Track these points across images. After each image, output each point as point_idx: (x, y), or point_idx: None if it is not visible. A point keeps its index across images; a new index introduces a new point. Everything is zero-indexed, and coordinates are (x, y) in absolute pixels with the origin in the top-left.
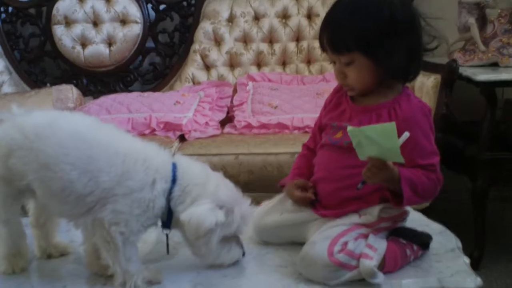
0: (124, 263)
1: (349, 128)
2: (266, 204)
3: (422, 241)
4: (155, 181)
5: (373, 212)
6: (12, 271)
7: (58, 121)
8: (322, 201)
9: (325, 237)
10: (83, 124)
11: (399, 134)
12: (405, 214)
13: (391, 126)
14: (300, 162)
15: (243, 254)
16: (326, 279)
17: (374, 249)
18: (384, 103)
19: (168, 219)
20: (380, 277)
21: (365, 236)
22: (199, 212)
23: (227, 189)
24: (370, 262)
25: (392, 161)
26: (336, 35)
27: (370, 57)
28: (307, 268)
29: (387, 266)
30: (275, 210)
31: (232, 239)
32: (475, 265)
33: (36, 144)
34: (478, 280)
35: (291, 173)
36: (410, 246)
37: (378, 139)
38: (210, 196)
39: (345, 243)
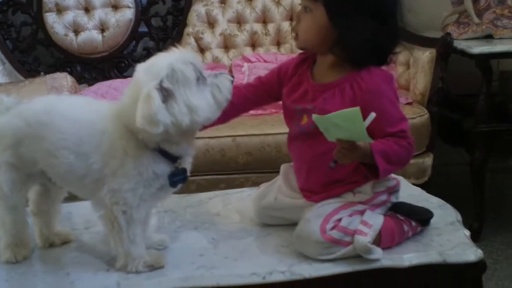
0: (127, 244)
1: (314, 116)
2: (265, 186)
3: (422, 217)
4: (125, 150)
5: (366, 190)
6: (15, 259)
7: (55, 106)
8: (310, 189)
9: (318, 214)
10: (76, 105)
11: (364, 107)
12: (398, 184)
13: (356, 111)
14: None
15: (231, 80)
16: (320, 255)
17: (369, 226)
18: (345, 77)
19: (163, 153)
20: (378, 253)
21: (361, 213)
22: (138, 109)
23: (147, 63)
24: (364, 238)
25: (360, 142)
26: None
27: (330, 17)
28: (302, 245)
29: (384, 241)
30: (271, 193)
31: (208, 79)
32: (475, 237)
33: (40, 131)
34: (479, 252)
35: None
36: (407, 222)
37: (343, 124)
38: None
39: (338, 220)
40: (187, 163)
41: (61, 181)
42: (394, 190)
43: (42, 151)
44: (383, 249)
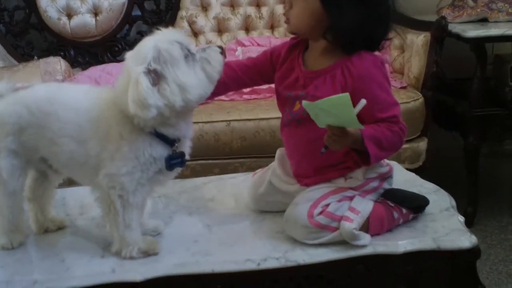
0: (122, 228)
1: (304, 103)
2: (259, 174)
3: (414, 204)
4: (121, 135)
5: (358, 176)
6: (11, 246)
7: (57, 95)
8: (303, 174)
9: (307, 199)
10: (77, 94)
11: (355, 93)
12: (391, 171)
13: (345, 97)
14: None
15: (221, 51)
16: (307, 239)
17: (357, 212)
18: (336, 63)
19: (160, 137)
20: (365, 239)
21: (351, 199)
22: (129, 95)
23: (134, 49)
24: (350, 224)
25: (351, 128)
26: None
27: (322, 2)
28: (290, 228)
29: (372, 228)
30: (266, 178)
31: (197, 54)
32: (469, 222)
33: (42, 120)
34: (473, 238)
35: None
36: (398, 208)
37: (334, 111)
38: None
39: (326, 205)
40: (186, 147)
41: (63, 168)
42: (386, 176)
43: (44, 139)
44: (372, 235)
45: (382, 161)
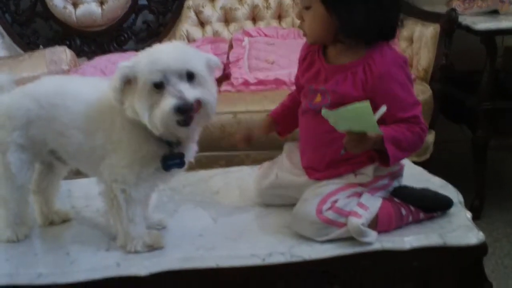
0: (126, 223)
1: (323, 111)
2: (265, 167)
3: (425, 204)
4: (123, 126)
5: (368, 172)
6: (16, 238)
7: (66, 87)
8: (314, 166)
9: (316, 194)
10: (85, 86)
11: (375, 92)
12: (401, 169)
13: (366, 106)
14: (285, 100)
15: (181, 105)
16: (315, 235)
17: (365, 208)
18: (358, 60)
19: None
20: (371, 236)
21: (360, 195)
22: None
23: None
24: (358, 220)
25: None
26: None
27: (328, 8)
28: (298, 224)
29: (380, 225)
30: (273, 171)
31: (162, 93)
32: (476, 215)
33: (52, 113)
34: (480, 235)
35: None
36: (406, 206)
37: (353, 118)
38: None
39: (335, 201)
40: (189, 150)
41: (71, 159)
42: (396, 175)
43: (53, 132)
44: (380, 232)
45: None
